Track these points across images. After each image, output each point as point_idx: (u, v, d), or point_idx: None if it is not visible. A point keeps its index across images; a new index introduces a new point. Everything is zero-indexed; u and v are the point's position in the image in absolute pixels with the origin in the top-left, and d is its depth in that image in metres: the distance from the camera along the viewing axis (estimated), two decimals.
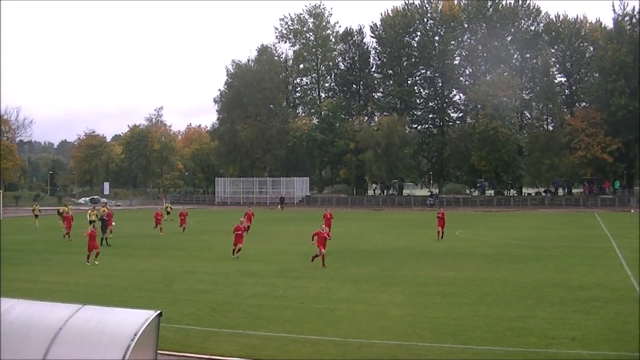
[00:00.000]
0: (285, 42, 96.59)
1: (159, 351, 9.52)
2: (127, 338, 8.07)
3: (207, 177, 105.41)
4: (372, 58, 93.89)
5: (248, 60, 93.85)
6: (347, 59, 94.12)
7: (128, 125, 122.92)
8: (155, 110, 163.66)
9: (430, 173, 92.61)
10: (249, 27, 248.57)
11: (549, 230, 40.87)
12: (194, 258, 27.23)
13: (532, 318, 15.26)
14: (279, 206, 75.78)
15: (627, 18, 75.31)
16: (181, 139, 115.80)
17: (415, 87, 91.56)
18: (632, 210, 61.96)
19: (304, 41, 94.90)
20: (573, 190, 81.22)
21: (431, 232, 39.64)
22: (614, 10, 76.87)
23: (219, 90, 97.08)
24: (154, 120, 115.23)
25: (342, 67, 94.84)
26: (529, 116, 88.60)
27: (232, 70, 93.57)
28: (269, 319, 15.62)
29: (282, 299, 18.13)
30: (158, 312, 8.85)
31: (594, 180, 77.05)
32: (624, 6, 76.07)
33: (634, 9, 74.99)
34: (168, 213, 52.47)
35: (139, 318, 8.53)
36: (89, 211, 38.76)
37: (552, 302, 17.05)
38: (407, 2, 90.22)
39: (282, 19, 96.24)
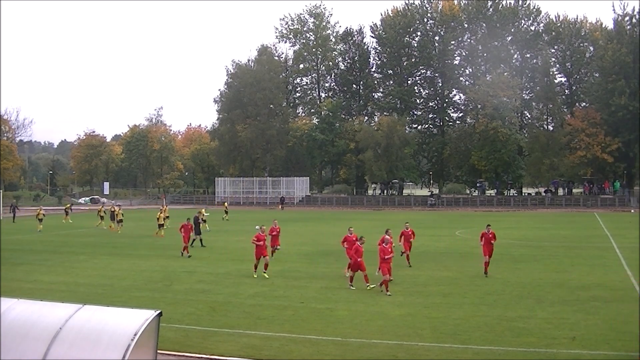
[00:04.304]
0: (285, 42, 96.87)
1: (159, 351, 9.52)
2: (127, 338, 8.08)
3: (207, 177, 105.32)
4: (372, 58, 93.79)
5: (248, 60, 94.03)
6: (347, 59, 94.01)
7: (128, 125, 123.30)
8: (155, 110, 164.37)
9: (431, 173, 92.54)
10: (249, 27, 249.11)
11: (549, 230, 40.81)
12: (194, 258, 27.21)
13: (532, 318, 15.26)
14: (279, 206, 75.75)
15: (627, 18, 75.23)
16: (181, 139, 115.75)
17: (415, 87, 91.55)
18: (632, 210, 61.91)
19: (304, 41, 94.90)
20: (573, 190, 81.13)
21: (431, 232, 39.62)
22: (614, 10, 77.01)
23: (219, 90, 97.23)
24: (154, 120, 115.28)
25: (342, 67, 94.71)
26: (529, 116, 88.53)
27: (232, 70, 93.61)
28: (269, 319, 15.61)
29: (282, 299, 18.12)
30: (158, 312, 8.85)
31: (594, 180, 76.98)
32: (624, 6, 76.30)
33: (634, 9, 75.05)
34: (226, 212, 54.07)
35: (139, 318, 8.52)
36: (202, 210, 38.75)
37: (552, 302, 17.05)
38: (407, 2, 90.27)
39: (282, 19, 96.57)
